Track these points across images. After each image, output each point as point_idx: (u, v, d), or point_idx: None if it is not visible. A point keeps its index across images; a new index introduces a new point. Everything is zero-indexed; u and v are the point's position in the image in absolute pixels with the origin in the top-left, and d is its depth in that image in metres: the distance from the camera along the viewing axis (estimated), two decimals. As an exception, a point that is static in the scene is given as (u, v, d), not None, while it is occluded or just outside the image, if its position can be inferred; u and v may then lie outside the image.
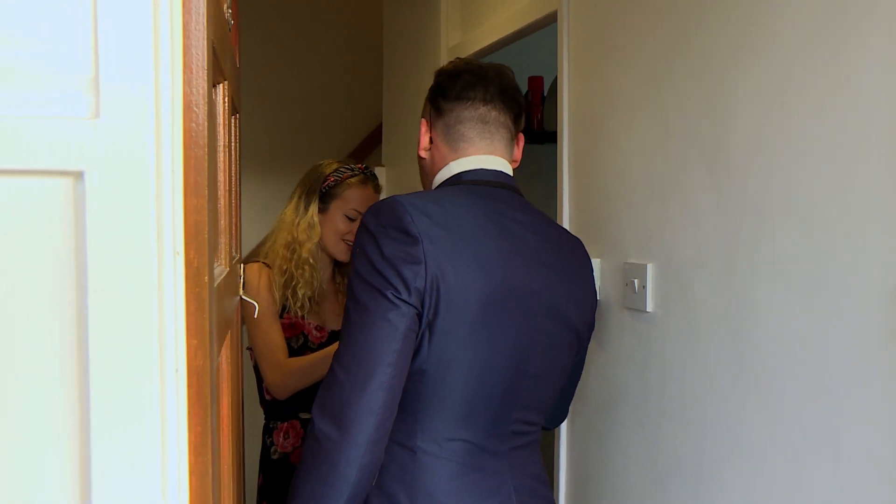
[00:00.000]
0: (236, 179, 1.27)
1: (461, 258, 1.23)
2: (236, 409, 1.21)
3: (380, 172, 3.41)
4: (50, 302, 0.59)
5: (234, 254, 1.22)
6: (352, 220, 2.10)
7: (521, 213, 1.35)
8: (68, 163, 0.57)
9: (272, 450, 2.11)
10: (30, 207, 0.58)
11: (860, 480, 1.04)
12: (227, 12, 1.02)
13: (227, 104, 1.02)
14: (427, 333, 1.21)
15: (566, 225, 1.80)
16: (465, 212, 1.28)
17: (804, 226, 1.12)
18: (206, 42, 0.68)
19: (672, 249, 1.42)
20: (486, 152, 1.38)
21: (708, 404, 1.32)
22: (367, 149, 4.05)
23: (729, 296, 1.27)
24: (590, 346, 1.56)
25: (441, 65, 2.72)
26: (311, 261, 2.06)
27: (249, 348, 2.09)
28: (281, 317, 2.07)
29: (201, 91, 0.67)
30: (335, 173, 2.12)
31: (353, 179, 2.12)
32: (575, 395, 1.57)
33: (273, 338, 2.00)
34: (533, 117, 3.15)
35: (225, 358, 1.00)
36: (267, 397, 2.12)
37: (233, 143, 1.16)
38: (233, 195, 1.16)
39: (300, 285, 2.05)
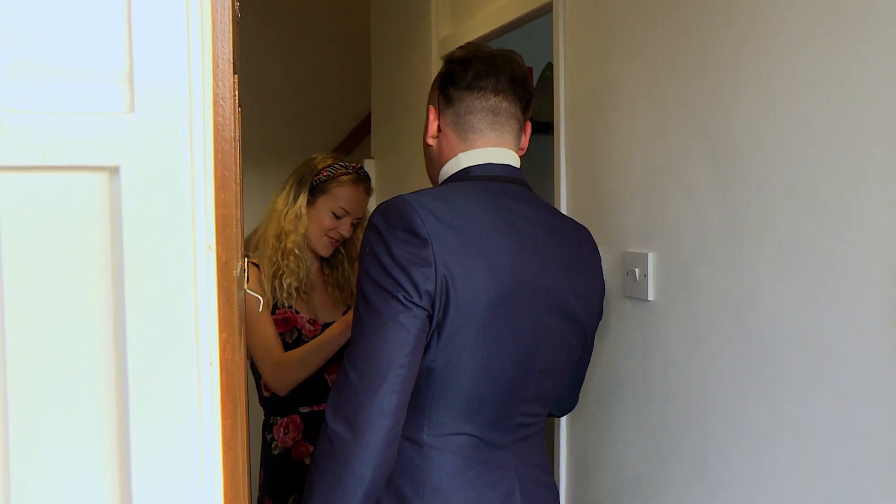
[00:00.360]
0: (240, 172, 1.27)
1: (470, 259, 1.23)
2: (245, 404, 1.20)
3: (369, 164, 3.40)
4: (88, 296, 0.58)
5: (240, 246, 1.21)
6: (338, 217, 2.09)
7: (529, 208, 1.35)
8: (104, 158, 0.57)
9: (273, 445, 2.10)
10: (67, 203, 0.57)
11: (866, 466, 1.05)
12: (237, 5, 1.02)
13: (237, 97, 1.01)
14: (436, 334, 1.22)
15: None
16: (473, 210, 1.28)
17: (808, 213, 1.13)
18: (230, 37, 0.67)
19: (673, 238, 1.43)
20: (495, 144, 1.38)
21: (712, 391, 1.33)
22: (356, 140, 4.03)
23: (732, 283, 1.28)
24: (592, 336, 1.57)
25: (431, 57, 2.74)
26: (296, 251, 2.06)
27: None
28: (273, 313, 2.06)
29: (227, 85, 0.66)
30: (328, 168, 2.11)
31: (345, 178, 2.11)
32: (578, 383, 1.58)
33: (268, 335, 1.99)
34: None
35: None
36: (265, 394, 2.11)
37: (238, 137, 1.16)
38: (239, 188, 1.16)
39: (285, 275, 2.05)
